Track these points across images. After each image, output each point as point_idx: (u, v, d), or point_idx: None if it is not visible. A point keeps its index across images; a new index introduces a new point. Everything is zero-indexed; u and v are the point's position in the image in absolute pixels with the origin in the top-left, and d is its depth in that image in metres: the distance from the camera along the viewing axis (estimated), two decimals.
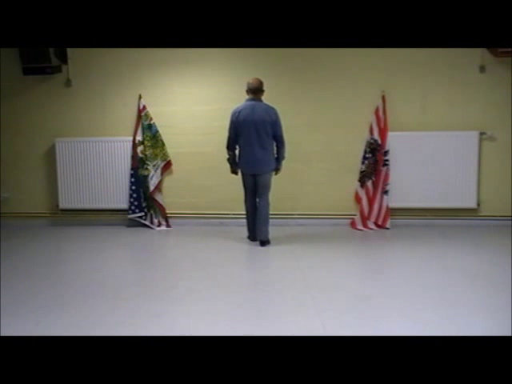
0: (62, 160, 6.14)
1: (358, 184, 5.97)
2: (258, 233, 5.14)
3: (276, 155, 5.11)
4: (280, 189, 5.50)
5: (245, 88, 5.06)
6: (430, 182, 5.87)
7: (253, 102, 5.00)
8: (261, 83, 5.04)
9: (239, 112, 5.01)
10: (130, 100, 6.07)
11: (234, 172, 5.27)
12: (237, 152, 5.18)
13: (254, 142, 4.97)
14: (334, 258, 4.74)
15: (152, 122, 6.05)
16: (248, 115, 4.96)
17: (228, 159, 5.19)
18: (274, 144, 5.08)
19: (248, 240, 5.29)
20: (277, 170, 5.17)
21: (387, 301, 3.54)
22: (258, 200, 5.16)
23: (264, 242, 5.09)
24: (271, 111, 5.01)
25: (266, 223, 5.10)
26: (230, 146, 5.15)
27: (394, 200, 5.88)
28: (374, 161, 5.87)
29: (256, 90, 5.01)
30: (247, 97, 5.05)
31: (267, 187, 5.12)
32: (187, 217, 6.15)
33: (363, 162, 5.92)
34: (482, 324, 3.09)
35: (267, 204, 5.11)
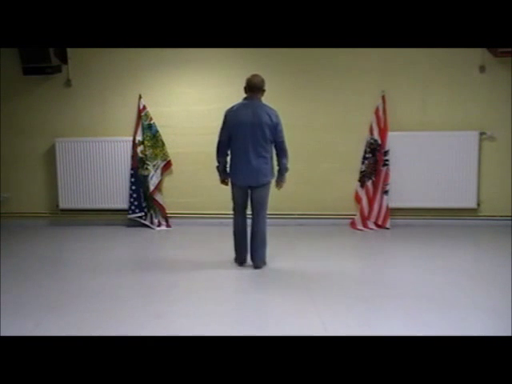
0: (62, 160, 6.14)
1: (358, 184, 5.96)
2: (253, 256, 4.37)
3: (278, 166, 4.39)
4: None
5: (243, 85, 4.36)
6: (430, 182, 5.86)
7: (251, 102, 4.25)
8: (262, 81, 4.28)
9: (234, 112, 4.26)
10: (130, 100, 6.07)
11: (224, 182, 4.49)
12: (228, 159, 4.43)
13: (249, 148, 4.20)
14: (333, 258, 4.74)
15: (152, 122, 6.05)
16: (244, 116, 4.20)
17: (217, 167, 4.45)
18: (274, 152, 4.36)
19: (235, 264, 4.48)
20: (279, 182, 4.46)
21: (387, 301, 3.54)
22: (252, 217, 4.39)
23: (259, 267, 4.35)
24: (272, 113, 4.25)
25: (263, 246, 4.37)
26: (221, 152, 4.37)
27: (394, 200, 5.87)
28: (374, 161, 5.86)
29: (256, 89, 4.24)
30: (245, 95, 4.33)
31: (264, 203, 4.34)
32: (187, 217, 6.14)
33: (363, 162, 5.91)
34: (482, 324, 3.09)
35: (264, 223, 4.35)
